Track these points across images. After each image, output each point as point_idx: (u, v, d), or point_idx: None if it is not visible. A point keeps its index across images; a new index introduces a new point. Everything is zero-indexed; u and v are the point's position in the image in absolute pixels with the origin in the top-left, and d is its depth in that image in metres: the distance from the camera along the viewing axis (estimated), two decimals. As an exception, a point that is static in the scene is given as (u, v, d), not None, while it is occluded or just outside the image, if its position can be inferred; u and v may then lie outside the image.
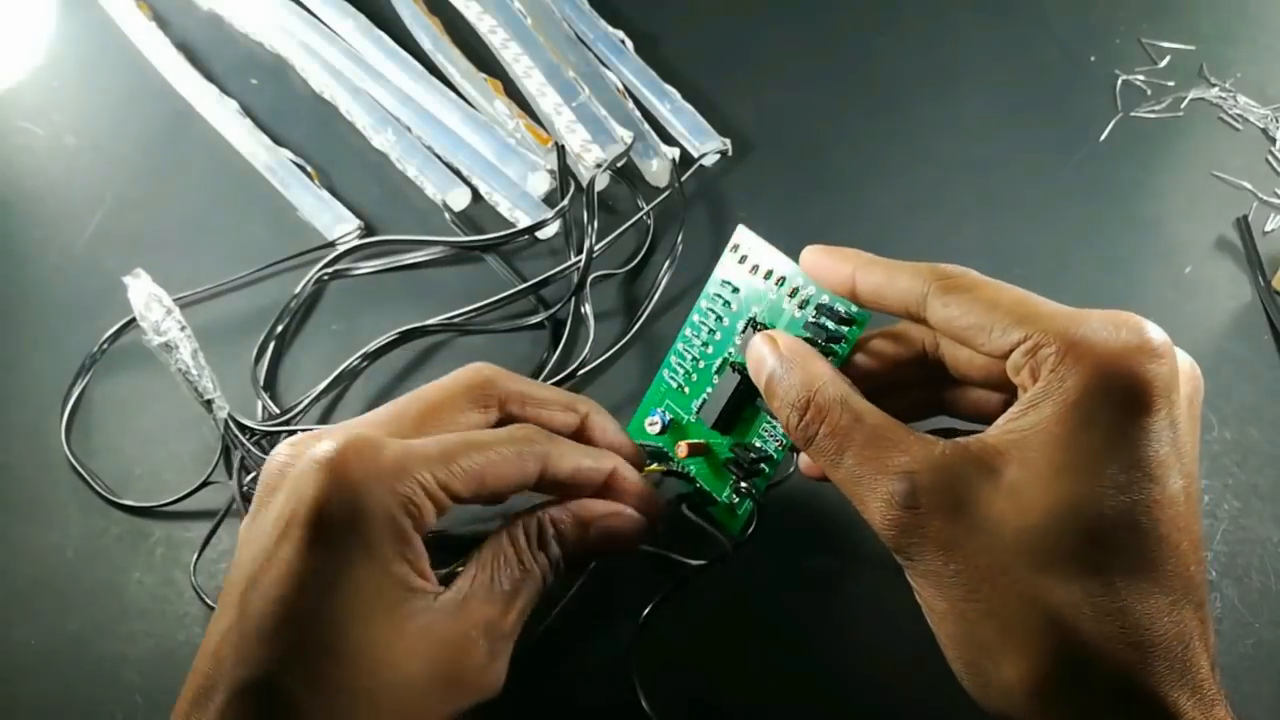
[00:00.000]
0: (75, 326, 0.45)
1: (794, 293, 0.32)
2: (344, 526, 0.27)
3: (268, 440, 0.40)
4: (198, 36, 0.57)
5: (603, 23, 0.56)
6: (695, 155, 0.51)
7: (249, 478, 0.39)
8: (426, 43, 0.55)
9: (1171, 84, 0.55)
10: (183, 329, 0.37)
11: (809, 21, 0.59)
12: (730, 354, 0.34)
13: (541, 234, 0.48)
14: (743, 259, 0.33)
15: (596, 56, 0.55)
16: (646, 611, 0.36)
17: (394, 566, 0.27)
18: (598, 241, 0.46)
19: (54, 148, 0.53)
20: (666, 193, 0.49)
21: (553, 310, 0.45)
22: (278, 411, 0.42)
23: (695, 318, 0.35)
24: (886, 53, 0.57)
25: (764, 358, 0.31)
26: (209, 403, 0.38)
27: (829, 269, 0.31)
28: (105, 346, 0.44)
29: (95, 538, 0.39)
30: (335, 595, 0.26)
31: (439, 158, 0.51)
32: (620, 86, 0.53)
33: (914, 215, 0.50)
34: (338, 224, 0.48)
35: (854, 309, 0.31)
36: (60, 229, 0.49)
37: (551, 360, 0.44)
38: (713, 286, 0.34)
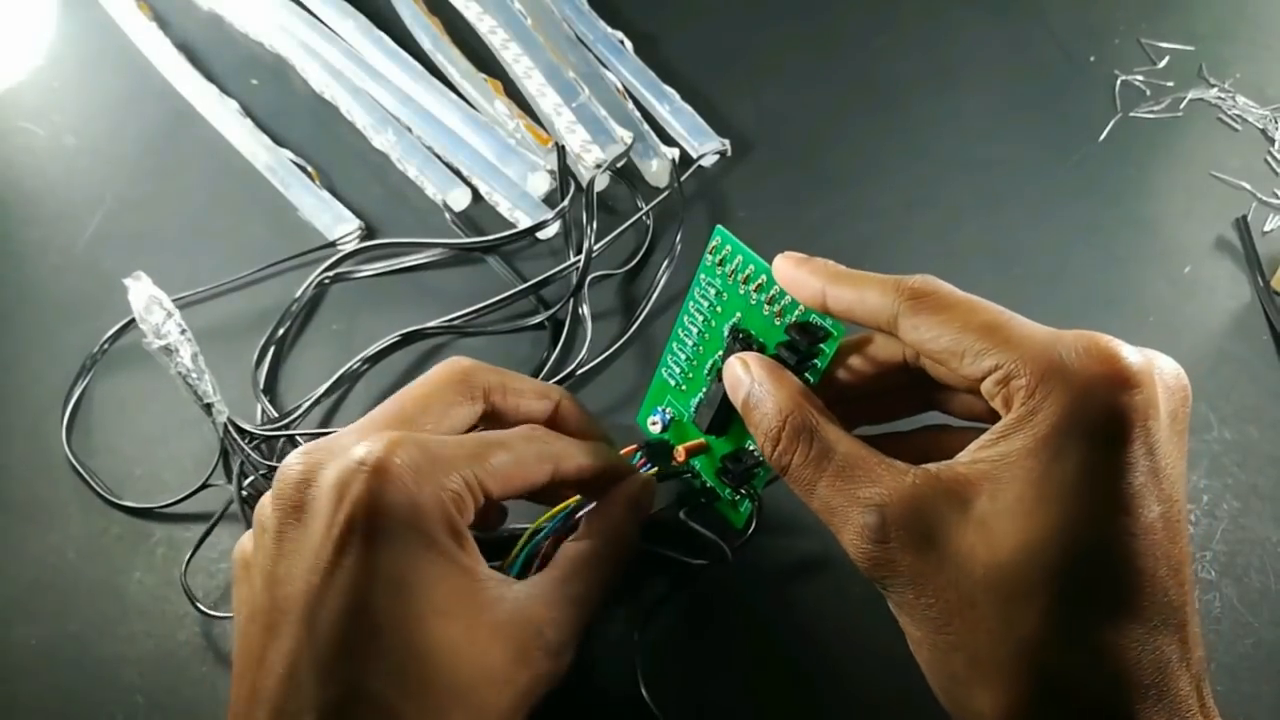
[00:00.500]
0: (75, 327, 0.45)
1: (772, 300, 0.31)
2: (404, 525, 0.26)
3: (266, 445, 0.40)
4: (198, 37, 0.57)
5: (602, 23, 0.56)
6: (694, 156, 0.51)
7: (248, 481, 0.39)
8: (427, 43, 0.55)
9: (1170, 84, 0.55)
10: (183, 332, 0.37)
11: (808, 21, 0.59)
12: (720, 357, 0.33)
13: (541, 234, 0.48)
14: (721, 262, 0.32)
15: (596, 57, 0.55)
16: (648, 611, 0.36)
17: (460, 558, 0.27)
18: (597, 242, 0.46)
19: (54, 148, 0.53)
20: (666, 193, 0.50)
21: (553, 310, 0.45)
22: (276, 415, 0.42)
23: (685, 319, 0.34)
24: (886, 52, 0.57)
25: (739, 382, 0.30)
26: (209, 406, 0.38)
27: (800, 283, 0.30)
28: (105, 347, 0.44)
29: (95, 538, 0.39)
30: (410, 595, 0.26)
31: (439, 158, 0.51)
32: (620, 87, 0.53)
33: (913, 215, 0.50)
34: (338, 224, 0.48)
35: (828, 323, 0.30)
36: (60, 229, 0.49)
37: (551, 360, 0.44)
38: (696, 289, 0.34)
